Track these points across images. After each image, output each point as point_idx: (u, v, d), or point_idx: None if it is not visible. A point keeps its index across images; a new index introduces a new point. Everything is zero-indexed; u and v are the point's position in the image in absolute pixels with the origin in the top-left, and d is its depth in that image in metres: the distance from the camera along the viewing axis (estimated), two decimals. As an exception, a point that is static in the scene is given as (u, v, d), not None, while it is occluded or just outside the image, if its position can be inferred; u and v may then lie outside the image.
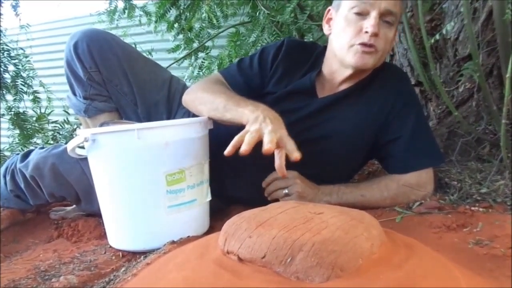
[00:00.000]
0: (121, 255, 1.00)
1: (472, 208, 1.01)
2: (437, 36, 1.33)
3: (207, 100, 1.09)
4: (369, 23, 1.01)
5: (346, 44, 1.05)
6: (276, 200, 1.07)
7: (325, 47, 1.17)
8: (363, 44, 1.03)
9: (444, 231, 0.92)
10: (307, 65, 1.19)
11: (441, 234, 0.91)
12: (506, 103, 1.07)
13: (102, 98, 1.32)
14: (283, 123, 0.93)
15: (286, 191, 1.07)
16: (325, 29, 1.15)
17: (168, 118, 1.36)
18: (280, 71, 1.18)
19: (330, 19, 1.13)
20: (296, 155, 0.88)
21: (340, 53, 1.07)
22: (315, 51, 1.21)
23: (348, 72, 1.10)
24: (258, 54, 1.22)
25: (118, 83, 1.31)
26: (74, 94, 1.36)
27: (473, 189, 1.13)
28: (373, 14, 1.01)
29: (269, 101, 1.17)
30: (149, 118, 1.33)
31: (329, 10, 1.14)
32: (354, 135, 1.12)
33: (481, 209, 1.00)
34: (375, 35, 1.02)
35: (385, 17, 1.03)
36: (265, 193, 1.11)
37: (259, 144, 1.04)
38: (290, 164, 1.07)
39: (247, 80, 1.20)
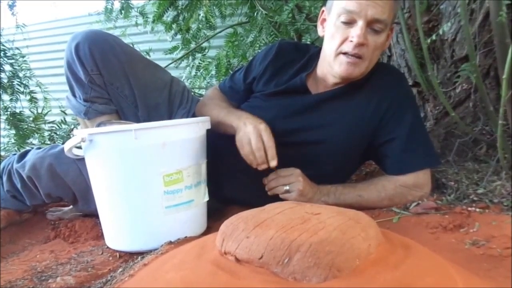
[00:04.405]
0: (118, 256, 0.99)
1: (469, 209, 1.01)
2: (434, 37, 1.33)
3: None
4: (355, 33, 1.01)
5: (333, 52, 1.06)
6: (275, 199, 1.07)
7: (320, 49, 1.17)
8: (348, 54, 1.03)
9: (441, 231, 0.92)
10: (298, 65, 1.19)
11: (438, 235, 0.91)
12: (503, 104, 1.08)
13: (102, 101, 1.30)
14: (266, 128, 1.04)
15: (287, 187, 1.07)
16: (319, 30, 1.15)
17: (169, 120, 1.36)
18: (270, 72, 1.20)
19: (324, 20, 1.13)
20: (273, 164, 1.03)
21: (329, 60, 1.08)
22: (309, 52, 1.21)
23: (336, 79, 1.11)
24: (249, 63, 1.30)
25: (119, 85, 1.30)
26: (74, 95, 1.34)
27: (470, 190, 1.13)
28: (360, 24, 1.00)
29: (261, 98, 1.19)
30: (149, 120, 1.31)
31: (323, 11, 1.14)
32: (349, 136, 1.12)
33: (478, 210, 1.00)
34: (360, 45, 1.01)
35: (373, 25, 1.02)
36: (266, 188, 1.11)
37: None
38: (287, 163, 1.08)
39: (235, 90, 1.30)
